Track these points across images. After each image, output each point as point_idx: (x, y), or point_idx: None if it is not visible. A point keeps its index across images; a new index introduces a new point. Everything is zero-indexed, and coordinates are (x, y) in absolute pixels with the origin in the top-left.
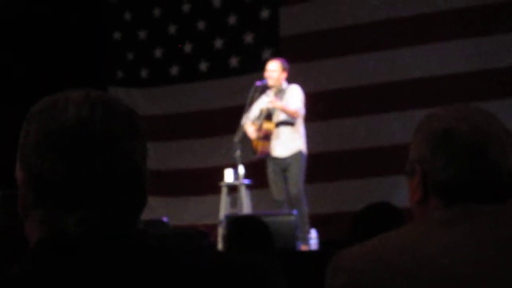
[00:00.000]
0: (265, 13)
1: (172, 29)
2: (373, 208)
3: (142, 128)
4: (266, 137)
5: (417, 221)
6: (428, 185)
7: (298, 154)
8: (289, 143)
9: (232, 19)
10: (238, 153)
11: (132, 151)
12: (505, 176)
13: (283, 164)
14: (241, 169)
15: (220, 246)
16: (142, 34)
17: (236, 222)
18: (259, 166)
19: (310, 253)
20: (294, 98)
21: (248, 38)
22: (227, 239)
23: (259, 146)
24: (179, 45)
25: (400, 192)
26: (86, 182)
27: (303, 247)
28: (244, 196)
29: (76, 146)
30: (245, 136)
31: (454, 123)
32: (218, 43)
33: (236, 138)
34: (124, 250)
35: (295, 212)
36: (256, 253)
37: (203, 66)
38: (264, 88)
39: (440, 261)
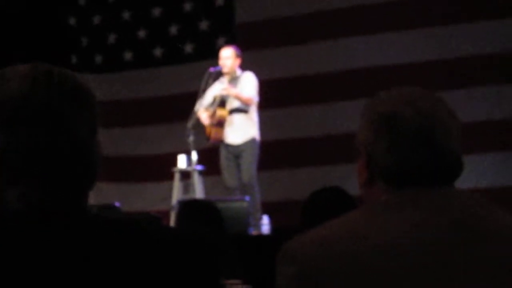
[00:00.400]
0: (220, 1)
1: (126, 15)
2: (324, 193)
3: (90, 103)
4: (220, 124)
5: (365, 205)
6: (372, 167)
7: (252, 141)
8: (242, 130)
9: (187, 6)
10: (191, 139)
11: (76, 125)
12: (450, 159)
13: (236, 151)
14: (194, 155)
15: None
16: (96, 20)
17: (187, 205)
18: (212, 153)
19: (262, 237)
20: (248, 86)
21: (203, 25)
22: (178, 222)
23: (212, 133)
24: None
25: (353, 180)
26: (26, 156)
27: (255, 233)
28: (197, 182)
29: (16, 120)
30: (198, 123)
31: (398, 107)
32: (173, 30)
33: (189, 124)
34: (65, 225)
35: (247, 198)
36: (205, 229)
37: (158, 52)
38: (218, 75)
39: (389, 246)
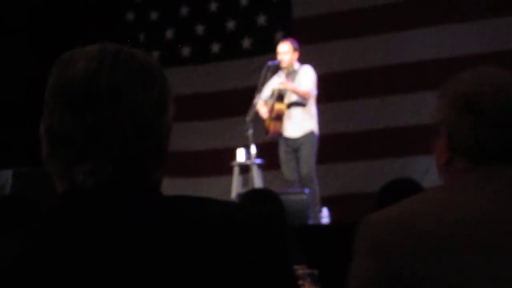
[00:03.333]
0: None
1: (184, 10)
2: (396, 184)
3: (157, 81)
4: (278, 117)
5: (442, 184)
6: (454, 146)
7: (310, 134)
8: (301, 123)
9: (244, 1)
10: (250, 132)
11: (141, 102)
12: None
13: (295, 145)
14: (253, 149)
15: None
16: (154, 15)
17: (248, 194)
18: (271, 147)
19: (323, 226)
20: (306, 79)
21: (261, 19)
22: None
23: (271, 127)
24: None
25: (411, 173)
26: (91, 134)
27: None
28: (256, 176)
29: (81, 99)
30: (257, 116)
31: (478, 86)
32: (231, 25)
33: (248, 117)
34: (135, 202)
35: (307, 191)
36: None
37: (215, 47)
38: (277, 68)
39: (466, 223)
